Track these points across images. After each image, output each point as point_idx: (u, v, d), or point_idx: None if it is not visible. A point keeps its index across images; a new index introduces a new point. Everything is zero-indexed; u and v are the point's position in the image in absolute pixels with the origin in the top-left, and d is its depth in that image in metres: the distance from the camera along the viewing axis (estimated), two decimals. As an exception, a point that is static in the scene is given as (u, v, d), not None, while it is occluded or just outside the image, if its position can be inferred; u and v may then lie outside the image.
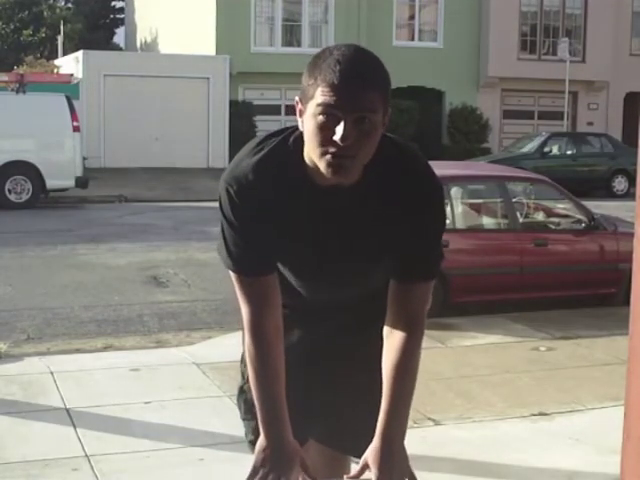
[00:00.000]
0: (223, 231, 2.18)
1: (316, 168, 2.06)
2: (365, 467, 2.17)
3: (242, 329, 2.57)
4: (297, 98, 2.07)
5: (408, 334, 2.18)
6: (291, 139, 2.14)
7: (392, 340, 2.20)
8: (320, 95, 1.96)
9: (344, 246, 2.18)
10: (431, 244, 2.20)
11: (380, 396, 2.27)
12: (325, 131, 1.96)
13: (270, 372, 2.19)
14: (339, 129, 1.95)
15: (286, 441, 2.18)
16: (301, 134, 2.09)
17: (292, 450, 2.18)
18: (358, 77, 1.95)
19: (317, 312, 2.40)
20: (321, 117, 1.96)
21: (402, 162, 2.15)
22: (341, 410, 2.48)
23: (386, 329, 2.23)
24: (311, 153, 2.04)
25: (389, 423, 2.17)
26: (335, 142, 1.96)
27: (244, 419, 2.55)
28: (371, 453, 2.17)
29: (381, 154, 2.08)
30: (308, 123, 2.00)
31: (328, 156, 1.98)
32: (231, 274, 2.22)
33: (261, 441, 2.19)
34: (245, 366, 2.54)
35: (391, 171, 2.13)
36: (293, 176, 2.11)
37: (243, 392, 2.53)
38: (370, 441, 2.20)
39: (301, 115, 2.05)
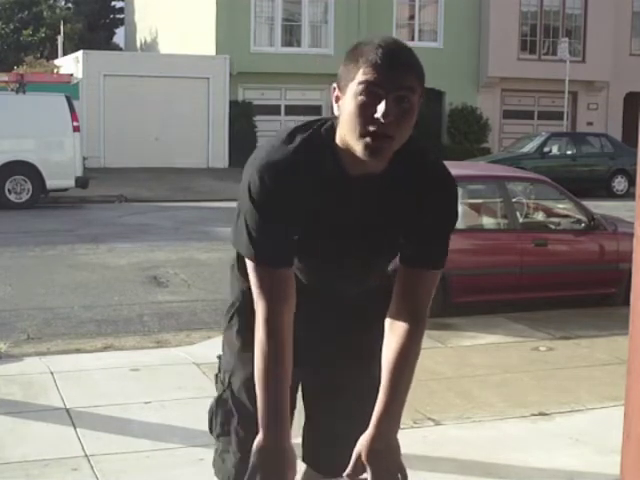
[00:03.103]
0: (246, 221, 2.16)
1: (349, 156, 2.09)
2: (359, 459, 2.16)
3: (224, 334, 2.56)
4: (334, 85, 2.12)
5: (411, 325, 2.21)
6: (323, 129, 2.18)
7: (394, 330, 2.22)
8: (362, 74, 2.02)
9: (367, 235, 2.23)
10: (445, 235, 2.27)
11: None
12: (366, 109, 2.01)
13: (279, 371, 2.17)
14: (381, 106, 2.00)
15: (286, 444, 2.16)
16: (332, 125, 2.15)
17: (292, 453, 2.16)
18: (399, 59, 2.04)
19: (324, 311, 2.40)
20: (362, 96, 2.02)
21: (424, 156, 2.23)
22: (336, 431, 2.46)
23: (388, 319, 2.25)
24: (348, 136, 2.06)
25: (385, 415, 2.18)
26: (376, 120, 2.00)
27: (219, 435, 2.50)
28: (365, 445, 2.16)
29: (406, 146, 2.14)
30: (348, 104, 2.05)
31: (367, 138, 2.02)
32: (249, 266, 2.20)
33: (260, 442, 2.16)
34: (223, 372, 2.50)
35: (415, 164, 2.19)
36: (326, 165, 2.15)
37: (223, 402, 2.48)
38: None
39: (337, 101, 2.10)
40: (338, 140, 2.12)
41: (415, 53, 2.11)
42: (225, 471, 2.46)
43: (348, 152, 2.09)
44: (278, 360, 2.16)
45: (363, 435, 2.18)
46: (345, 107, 2.06)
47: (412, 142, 2.16)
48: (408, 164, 2.17)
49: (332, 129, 2.15)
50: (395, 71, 2.01)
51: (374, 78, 2.00)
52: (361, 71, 2.02)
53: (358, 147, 2.04)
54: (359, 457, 2.16)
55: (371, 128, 2.00)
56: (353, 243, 2.23)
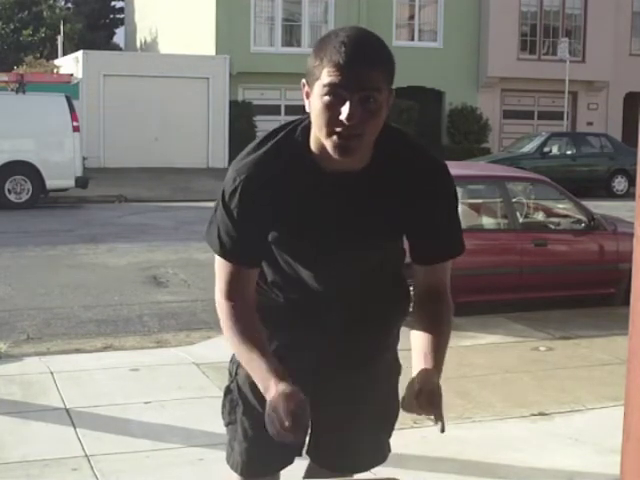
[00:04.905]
0: (217, 217, 2.23)
1: (324, 153, 2.09)
2: (419, 395, 2.07)
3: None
4: (303, 81, 2.11)
5: (439, 297, 2.26)
6: (298, 129, 2.19)
7: (423, 305, 2.26)
8: (326, 75, 2.00)
9: (352, 232, 2.21)
10: (452, 221, 2.26)
11: (381, 406, 2.32)
12: (331, 111, 2.01)
13: (244, 327, 2.19)
14: (345, 109, 1.99)
15: (285, 377, 2.08)
16: (307, 124, 2.14)
17: (295, 393, 2.05)
18: (362, 57, 2.00)
19: (320, 311, 2.39)
20: (327, 97, 2.01)
21: (407, 146, 2.21)
22: (339, 426, 2.46)
23: (416, 309, 2.28)
24: (318, 133, 2.08)
25: (435, 352, 2.16)
26: (341, 122, 2.00)
27: (228, 423, 2.51)
28: (425, 381, 2.08)
29: (387, 139, 2.13)
30: (315, 104, 2.05)
31: (334, 137, 2.02)
32: (215, 258, 2.26)
33: (262, 389, 2.11)
34: (232, 362, 2.53)
35: (397, 155, 2.17)
36: (302, 164, 2.15)
37: (229, 391, 2.52)
38: (370, 459, 2.20)
39: (307, 97, 2.10)
40: (312, 137, 2.14)
41: (384, 45, 2.08)
42: (233, 459, 2.49)
43: (324, 149, 2.09)
44: (238, 318, 2.20)
45: (417, 374, 2.11)
46: (313, 106, 2.06)
47: (391, 134, 2.16)
48: (390, 157, 2.16)
49: (307, 128, 2.15)
50: (359, 71, 1.99)
51: (337, 80, 1.98)
52: (325, 71, 2.00)
53: (328, 145, 2.05)
54: (419, 394, 2.07)
55: (337, 129, 2.01)
56: (342, 240, 2.21)
